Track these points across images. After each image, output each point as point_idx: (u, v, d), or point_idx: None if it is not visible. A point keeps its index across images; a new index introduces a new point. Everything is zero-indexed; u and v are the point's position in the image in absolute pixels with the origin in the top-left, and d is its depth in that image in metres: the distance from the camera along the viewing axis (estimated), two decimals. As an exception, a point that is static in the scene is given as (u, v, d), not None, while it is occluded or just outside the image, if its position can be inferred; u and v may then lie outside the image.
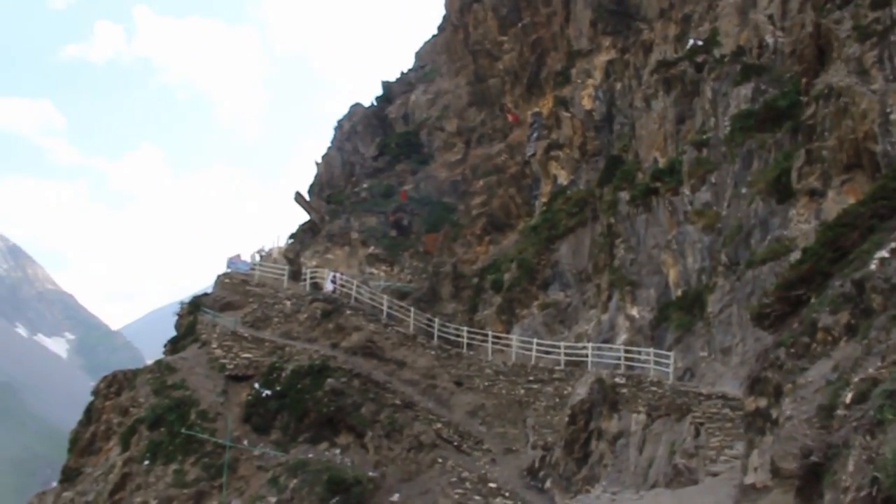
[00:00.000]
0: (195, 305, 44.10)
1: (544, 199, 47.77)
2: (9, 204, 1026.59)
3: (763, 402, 12.65)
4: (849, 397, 9.82)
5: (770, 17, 34.19)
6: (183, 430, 33.33)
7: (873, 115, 22.34)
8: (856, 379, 9.96)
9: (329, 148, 66.25)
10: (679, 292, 33.29)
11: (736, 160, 31.39)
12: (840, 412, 9.86)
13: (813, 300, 13.46)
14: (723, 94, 34.09)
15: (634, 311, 35.06)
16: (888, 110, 21.98)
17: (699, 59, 36.96)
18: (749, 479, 12.52)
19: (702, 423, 26.24)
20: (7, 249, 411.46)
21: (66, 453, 39.48)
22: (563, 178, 47.49)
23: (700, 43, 37.76)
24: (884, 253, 11.74)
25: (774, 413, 12.19)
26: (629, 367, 31.72)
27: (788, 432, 10.95)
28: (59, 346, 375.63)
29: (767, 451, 11.98)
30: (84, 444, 38.18)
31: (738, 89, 33.11)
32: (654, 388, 28.85)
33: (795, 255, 21.89)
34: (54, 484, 39.70)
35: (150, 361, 42.90)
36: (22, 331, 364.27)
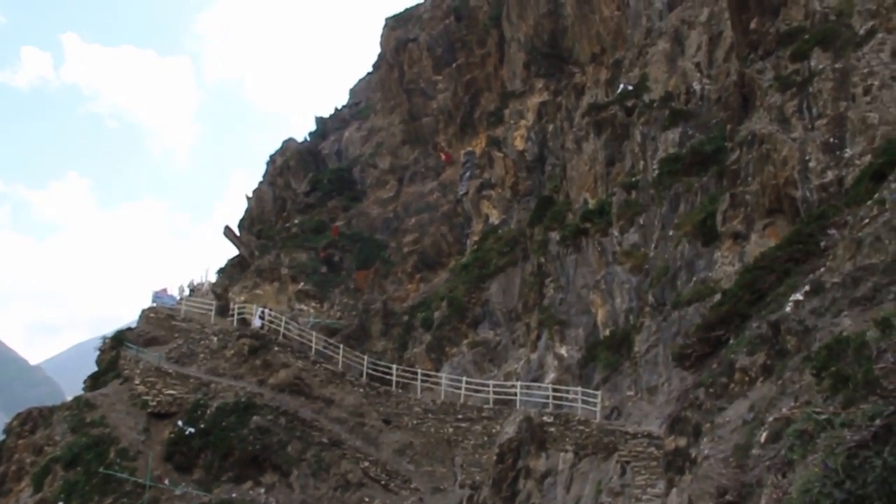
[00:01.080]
0: (118, 340, 43.00)
1: (476, 238, 47.99)
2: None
3: (682, 442, 12.80)
4: (763, 437, 10.00)
5: (697, 65, 35.19)
6: (101, 470, 32.30)
7: (793, 162, 23.09)
8: (770, 419, 10.14)
9: (261, 182, 65.56)
10: (607, 332, 33.65)
11: (663, 203, 32.04)
12: (755, 451, 10.03)
13: (731, 341, 13.72)
14: (651, 138, 34.83)
15: (563, 351, 35.29)
16: (807, 158, 22.74)
17: (629, 103, 37.74)
18: (668, 519, 12.62)
19: (628, 462, 26.40)
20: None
21: (-26, 494, 37.92)
22: (494, 218, 47.83)
23: (630, 88, 38.58)
24: (798, 296, 12.05)
25: (693, 452, 12.34)
26: (557, 406, 31.84)
27: (705, 471, 11.08)
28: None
29: (685, 490, 12.10)
30: (-7, 484, 36.72)
31: (667, 134, 33.90)
32: (581, 427, 28.98)
33: (719, 297, 22.34)
34: (-40, 526, 38.04)
35: (70, 398, 41.63)
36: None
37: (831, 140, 22.38)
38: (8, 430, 38.40)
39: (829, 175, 21.84)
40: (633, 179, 35.07)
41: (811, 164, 22.54)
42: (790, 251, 14.76)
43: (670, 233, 31.06)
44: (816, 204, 21.47)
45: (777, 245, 17.07)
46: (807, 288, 12.16)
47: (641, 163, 35.18)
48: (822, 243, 14.88)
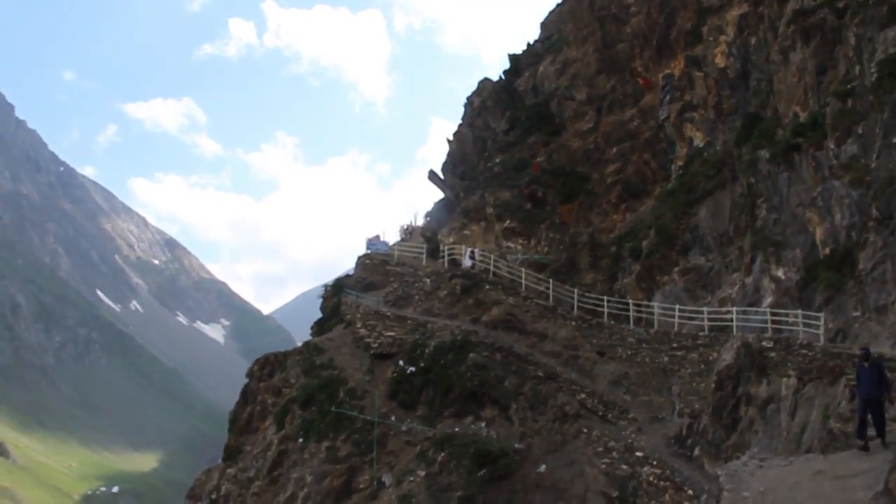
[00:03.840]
0: (338, 287, 45.46)
1: (680, 163, 46.66)
2: (162, 199, 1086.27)
3: (916, 362, 12.08)
4: None
5: (917, -49, 32.12)
6: (333, 409, 34.52)
7: None
8: None
9: (460, 125, 66.63)
10: (827, 251, 31.94)
11: (885, 108, 29.76)
12: None
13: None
14: (868, 40, 32.33)
15: (780, 273, 33.90)
16: None
17: (840, 4, 35.13)
18: (904, 442, 12.00)
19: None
20: (164, 242, 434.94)
21: (228, 432, 41.63)
22: (698, 140, 46.25)
23: (840, -13, 35.88)
24: None
25: (929, 372, 11.63)
26: (776, 331, 30.76)
27: (943, 392, 10.45)
28: (216, 332, 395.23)
29: (922, 413, 11.46)
30: (242, 423, 40.17)
31: (885, 32, 31.31)
32: (804, 351, 27.79)
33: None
34: (219, 461, 41.95)
35: (299, 343, 44.59)
36: (182, 319, 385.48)
37: None
38: (250, 375, 41.82)
39: None
40: (849, 87, 32.75)
41: None
42: None
43: (894, 140, 28.88)
44: None
45: None
46: None
47: (857, 68, 32.78)
48: None
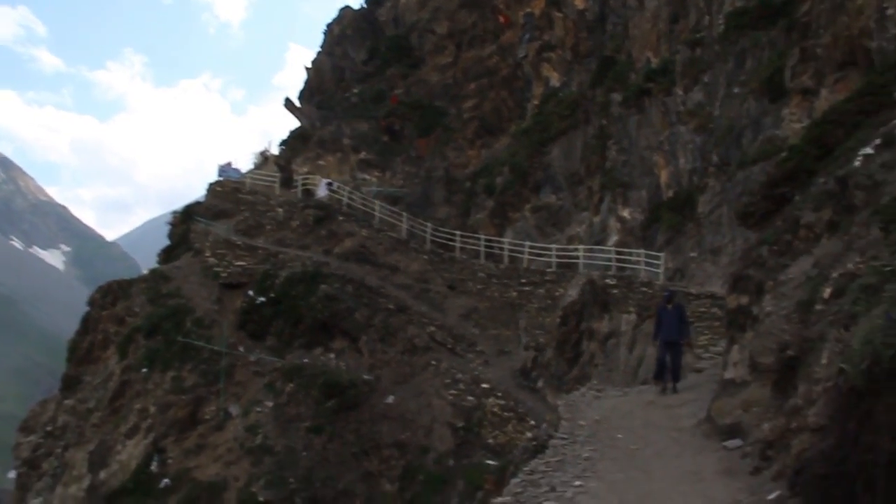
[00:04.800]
0: (188, 214, 44.04)
1: (536, 102, 47.26)
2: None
3: (745, 300, 12.76)
4: (827, 292, 9.93)
5: None
6: (179, 338, 33.68)
7: (870, 11, 21.90)
8: (835, 274, 10.04)
9: (319, 53, 64.98)
10: (670, 193, 33.28)
11: (729, 59, 30.97)
12: (818, 307, 9.98)
13: (796, 198, 13.45)
14: (717, -9, 33.43)
15: (626, 213, 35.11)
16: (885, 6, 21.54)
17: (694, -46, 36.07)
18: (728, 374, 12.73)
19: (691, 322, 26.49)
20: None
21: (66, 362, 40.01)
22: (555, 80, 46.91)
23: (694, -62, 36.77)
24: (868, 150, 11.67)
25: (755, 310, 12.31)
26: (620, 269, 31.94)
27: (767, 328, 11.09)
28: (55, 258, 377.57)
29: (747, 347, 12.16)
30: (82, 353, 38.63)
31: (733, -14, 32.45)
32: (644, 289, 29.10)
33: (785, 154, 21.76)
34: (56, 392, 40.37)
35: (145, 271, 43.09)
36: (17, 243, 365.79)
37: (910, -15, 21.12)
38: (92, 302, 40.13)
39: (907, 23, 20.72)
40: (698, 36, 33.88)
41: (890, 13, 21.38)
42: (860, 103, 14.17)
43: (736, 90, 30.14)
44: (893, 55, 20.50)
45: (847, 97, 16.41)
46: (878, 141, 11.72)
47: (707, 18, 33.89)
48: (896, 94, 14.27)
